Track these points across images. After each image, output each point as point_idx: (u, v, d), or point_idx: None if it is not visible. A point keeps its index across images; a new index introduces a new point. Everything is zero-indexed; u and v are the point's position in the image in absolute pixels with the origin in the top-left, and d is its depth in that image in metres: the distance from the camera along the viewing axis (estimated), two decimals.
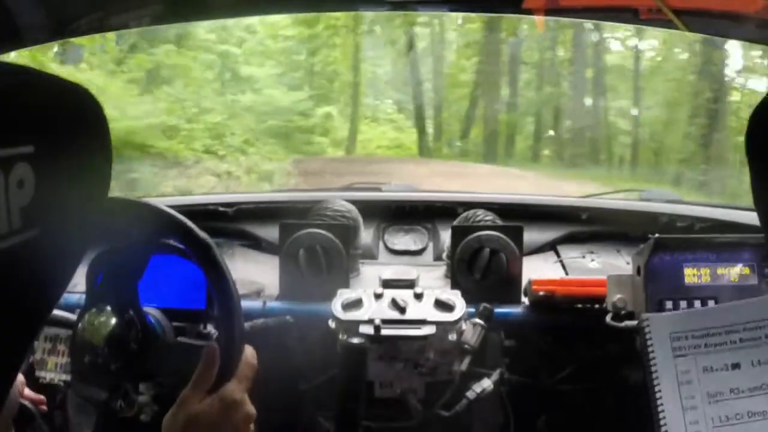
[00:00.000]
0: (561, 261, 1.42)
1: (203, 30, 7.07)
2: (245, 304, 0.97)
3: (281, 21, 7.60)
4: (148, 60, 6.92)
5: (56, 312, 1.03)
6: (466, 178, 6.70)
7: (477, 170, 7.47)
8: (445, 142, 9.28)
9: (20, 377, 0.94)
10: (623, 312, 1.09)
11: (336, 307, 1.11)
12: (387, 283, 1.19)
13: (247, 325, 1.01)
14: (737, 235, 1.09)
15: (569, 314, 1.19)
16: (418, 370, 1.14)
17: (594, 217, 1.52)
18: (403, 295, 1.14)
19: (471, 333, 1.12)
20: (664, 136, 8.14)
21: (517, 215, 1.45)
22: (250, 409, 0.79)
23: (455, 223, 1.37)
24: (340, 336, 1.09)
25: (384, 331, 1.08)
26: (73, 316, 1.00)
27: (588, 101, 8.78)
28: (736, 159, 6.36)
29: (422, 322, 1.10)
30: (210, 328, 1.11)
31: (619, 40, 8.40)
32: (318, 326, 1.16)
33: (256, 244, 1.51)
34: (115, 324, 0.89)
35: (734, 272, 1.05)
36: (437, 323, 1.10)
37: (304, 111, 7.92)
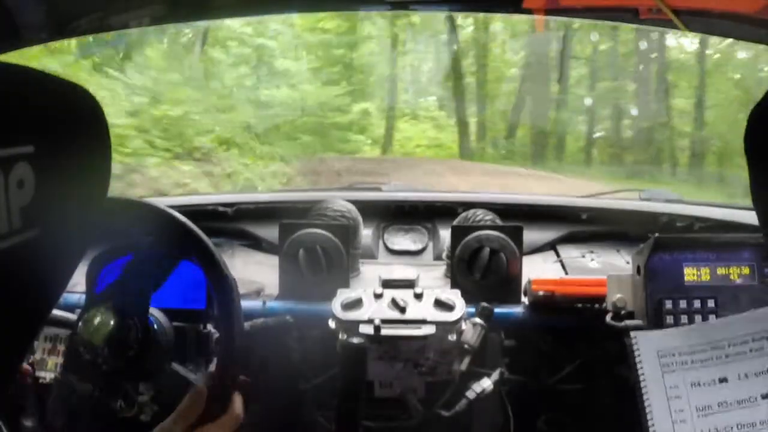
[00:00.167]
0: (561, 261, 1.42)
1: (239, 23, 6.58)
2: (245, 304, 0.97)
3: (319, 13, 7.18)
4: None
5: (56, 312, 1.03)
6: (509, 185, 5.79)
7: (522, 175, 6.58)
8: (489, 142, 8.52)
9: None
10: (623, 312, 1.09)
11: (336, 306, 1.11)
12: (387, 283, 1.19)
13: (247, 324, 1.01)
14: (737, 234, 1.09)
15: (569, 314, 1.19)
16: (418, 369, 1.14)
17: (594, 217, 1.52)
18: (403, 295, 1.14)
19: (471, 333, 1.12)
20: (729, 139, 6.98)
21: (517, 215, 1.45)
22: None
23: (455, 222, 1.37)
24: (340, 336, 1.09)
25: (384, 331, 1.08)
26: (73, 316, 1.00)
27: (649, 99, 7.68)
28: None
29: (422, 322, 1.10)
30: (210, 328, 1.11)
31: (674, 35, 7.24)
32: (318, 326, 1.16)
33: (256, 244, 1.51)
34: (115, 324, 0.89)
35: (734, 272, 1.05)
36: (437, 323, 1.10)
37: (340, 107, 7.50)
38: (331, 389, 1.18)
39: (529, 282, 1.20)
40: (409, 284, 1.19)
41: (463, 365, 1.12)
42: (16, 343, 0.42)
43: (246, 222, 1.53)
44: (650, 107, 7.62)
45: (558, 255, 1.45)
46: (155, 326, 0.97)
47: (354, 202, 1.43)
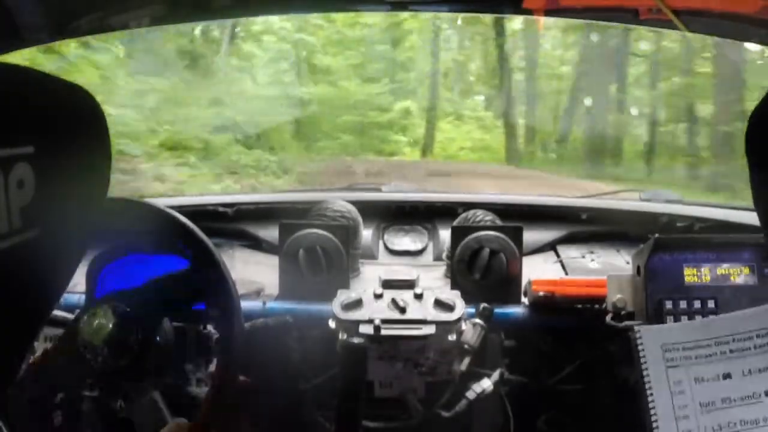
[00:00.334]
0: (561, 261, 1.42)
1: (278, 18, 6.19)
2: (245, 304, 0.97)
3: None
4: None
5: (56, 312, 1.03)
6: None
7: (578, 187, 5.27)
8: (539, 145, 7.86)
9: None
10: (623, 312, 1.09)
11: (336, 307, 1.11)
12: (387, 283, 1.19)
13: (247, 325, 1.01)
14: (737, 235, 1.10)
15: (569, 314, 1.19)
16: (418, 369, 1.14)
17: (594, 217, 1.52)
18: (403, 295, 1.14)
19: (471, 333, 1.12)
20: None
21: (517, 215, 1.45)
22: None
23: (455, 223, 1.37)
24: (340, 336, 1.09)
25: (384, 331, 1.08)
26: (72, 317, 1.00)
27: (728, 100, 6.22)
28: None
29: (422, 322, 1.10)
30: (210, 328, 1.11)
31: None
32: (318, 326, 1.16)
33: (256, 244, 1.51)
34: (114, 324, 0.89)
35: (734, 272, 1.05)
36: (437, 323, 1.10)
37: (381, 105, 7.08)
38: (331, 389, 1.18)
39: (529, 282, 1.20)
40: (409, 284, 1.19)
41: (463, 365, 1.12)
42: (16, 343, 0.42)
43: (246, 222, 1.53)
44: (727, 109, 6.36)
45: (558, 255, 1.45)
46: (155, 326, 0.97)
47: (354, 203, 1.43)
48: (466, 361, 1.12)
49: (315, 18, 6.59)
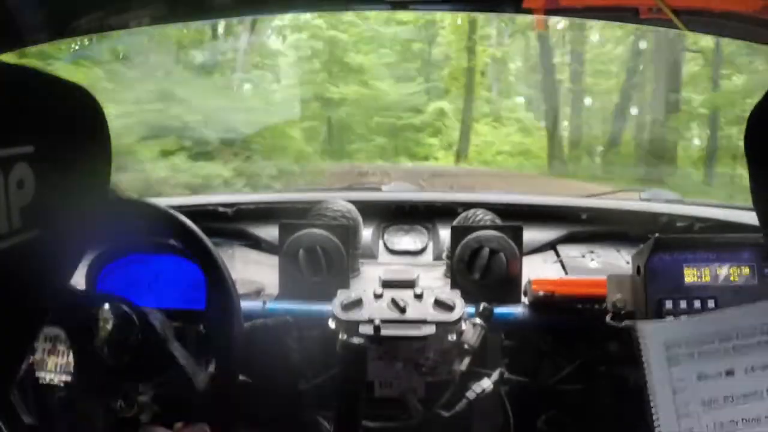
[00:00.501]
0: (561, 261, 1.42)
1: (310, 15, 5.95)
2: (245, 304, 0.97)
3: None
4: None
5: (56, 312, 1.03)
6: None
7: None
8: (585, 150, 7.02)
9: None
10: (623, 312, 1.09)
11: (336, 307, 1.11)
12: (387, 283, 1.19)
13: (247, 325, 1.01)
14: (737, 235, 1.09)
15: (569, 314, 1.19)
16: (418, 370, 1.14)
17: (594, 217, 1.52)
18: (403, 295, 1.14)
19: (471, 333, 1.12)
20: None
21: (517, 215, 1.45)
22: None
23: (455, 223, 1.37)
24: (340, 336, 1.09)
25: (384, 331, 1.08)
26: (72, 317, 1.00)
27: None
28: None
29: (422, 322, 1.10)
30: (210, 329, 1.11)
31: None
32: (318, 326, 1.16)
33: (256, 244, 1.51)
34: (114, 324, 0.89)
35: (734, 272, 1.05)
36: (437, 323, 1.10)
37: (415, 106, 6.65)
38: (331, 389, 1.18)
39: (529, 282, 1.20)
40: (409, 284, 1.19)
41: (463, 365, 1.12)
42: (16, 343, 0.42)
43: (246, 222, 1.53)
44: None
45: (558, 255, 1.45)
46: (155, 326, 0.96)
47: (354, 202, 1.43)
48: (466, 361, 1.12)
49: (347, 14, 6.27)
